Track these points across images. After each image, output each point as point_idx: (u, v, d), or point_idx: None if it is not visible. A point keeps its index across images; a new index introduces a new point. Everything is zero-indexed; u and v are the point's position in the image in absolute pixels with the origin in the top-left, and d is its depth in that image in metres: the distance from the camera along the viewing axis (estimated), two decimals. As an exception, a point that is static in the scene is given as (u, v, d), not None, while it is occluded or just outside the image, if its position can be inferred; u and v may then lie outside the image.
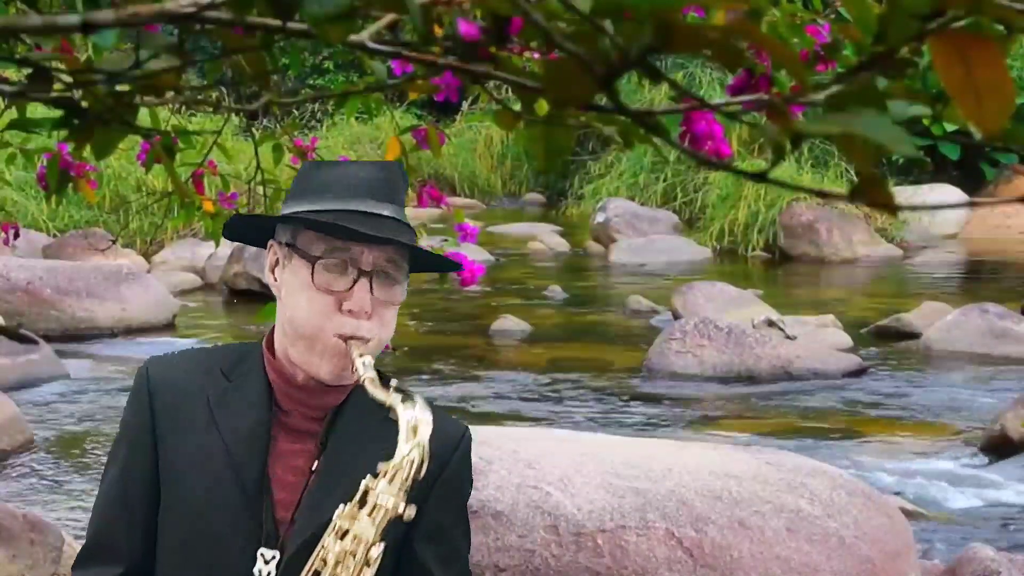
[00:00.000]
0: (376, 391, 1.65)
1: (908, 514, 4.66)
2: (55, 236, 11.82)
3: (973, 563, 4.08)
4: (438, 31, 0.78)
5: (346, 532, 1.64)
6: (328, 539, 1.65)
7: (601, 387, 7.64)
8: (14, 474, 5.79)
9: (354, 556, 1.63)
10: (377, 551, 1.63)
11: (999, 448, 6.16)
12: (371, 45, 0.75)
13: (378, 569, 1.66)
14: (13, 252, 9.01)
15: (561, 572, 3.43)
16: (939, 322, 8.75)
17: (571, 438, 4.30)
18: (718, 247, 13.67)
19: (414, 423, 1.62)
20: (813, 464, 4.01)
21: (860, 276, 12.76)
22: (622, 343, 8.96)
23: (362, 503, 1.63)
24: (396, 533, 1.72)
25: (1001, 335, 8.43)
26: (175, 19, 0.73)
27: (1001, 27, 0.69)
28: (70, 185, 2.48)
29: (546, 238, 14.37)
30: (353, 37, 0.75)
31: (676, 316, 9.25)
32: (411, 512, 1.62)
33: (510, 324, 9.23)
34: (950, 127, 10.92)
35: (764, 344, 7.93)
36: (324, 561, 1.65)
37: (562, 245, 14.20)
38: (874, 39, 0.69)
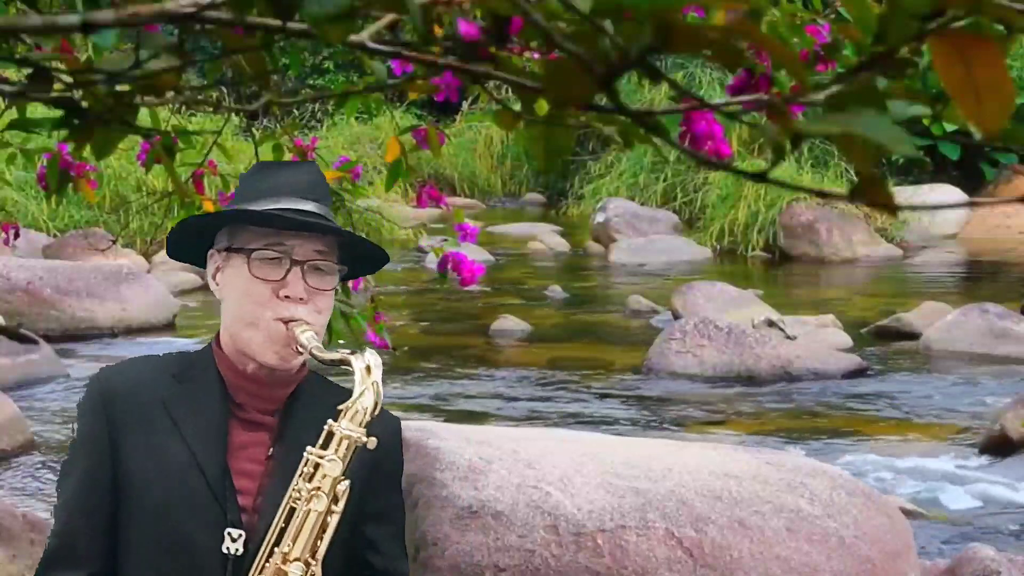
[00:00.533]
0: (325, 354, 1.82)
1: (908, 514, 4.66)
2: (55, 236, 11.82)
3: (973, 563, 4.08)
4: (438, 31, 0.78)
5: (315, 472, 1.79)
6: (298, 480, 1.80)
7: (601, 387, 7.64)
8: (14, 474, 5.79)
9: (323, 492, 1.78)
10: (344, 486, 1.79)
11: (999, 448, 6.16)
12: (371, 45, 0.75)
13: (331, 556, 1.82)
14: (13, 252, 9.01)
15: (561, 572, 3.43)
16: (939, 322, 8.75)
17: (571, 438, 4.30)
18: (718, 247, 13.67)
19: (366, 364, 1.82)
20: (813, 464, 4.01)
21: (860, 276, 12.76)
22: (622, 343, 8.96)
23: (326, 445, 1.79)
24: (349, 515, 1.86)
25: (1001, 335, 8.43)
26: (175, 19, 0.73)
27: (1001, 27, 0.69)
28: (70, 185, 2.48)
29: (546, 238, 14.37)
30: (353, 37, 0.75)
31: (676, 316, 9.24)
32: (373, 442, 1.79)
33: (510, 324, 9.23)
34: (950, 127, 10.92)
35: (764, 344, 7.93)
36: (296, 500, 1.80)
37: (562, 245, 14.20)
38: (874, 39, 0.70)
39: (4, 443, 5.96)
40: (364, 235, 2.28)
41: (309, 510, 1.79)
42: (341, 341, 2.94)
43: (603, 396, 7.44)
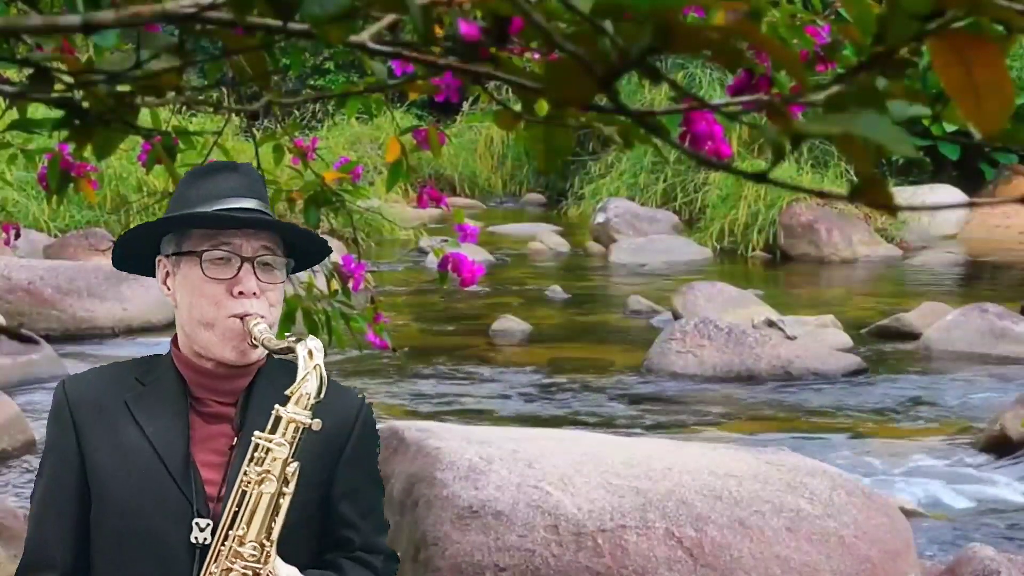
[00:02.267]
0: (273, 343, 1.89)
1: (908, 514, 4.66)
2: (56, 236, 11.82)
3: (972, 563, 4.08)
4: (438, 31, 0.78)
5: (265, 456, 1.85)
6: (249, 465, 1.86)
7: (601, 387, 7.64)
8: (15, 474, 5.79)
9: (273, 475, 1.84)
10: (293, 468, 1.85)
11: (999, 448, 6.16)
12: (372, 45, 0.75)
13: (303, 529, 1.93)
14: (14, 252, 9.01)
15: (561, 572, 3.43)
16: (939, 322, 8.75)
17: (571, 438, 4.30)
18: (718, 247, 13.67)
19: (308, 349, 1.86)
20: (813, 464, 4.01)
21: (860, 276, 12.76)
22: (622, 343, 8.96)
23: (275, 429, 1.86)
24: (316, 496, 1.97)
25: (1001, 335, 8.42)
26: (176, 19, 0.74)
27: (1000, 27, 0.69)
28: (71, 185, 2.48)
29: (546, 238, 14.37)
30: (353, 37, 0.75)
31: (676, 316, 9.24)
32: (318, 424, 1.84)
33: (510, 324, 9.23)
34: (950, 127, 10.92)
35: (764, 344, 7.93)
36: (247, 484, 1.86)
37: (562, 245, 14.19)
38: (874, 39, 0.70)
39: (5, 443, 5.96)
40: (364, 235, 2.30)
41: (260, 492, 1.85)
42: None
43: (603, 396, 7.44)
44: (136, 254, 2.06)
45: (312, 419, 1.85)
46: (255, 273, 1.93)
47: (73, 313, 8.80)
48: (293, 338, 1.90)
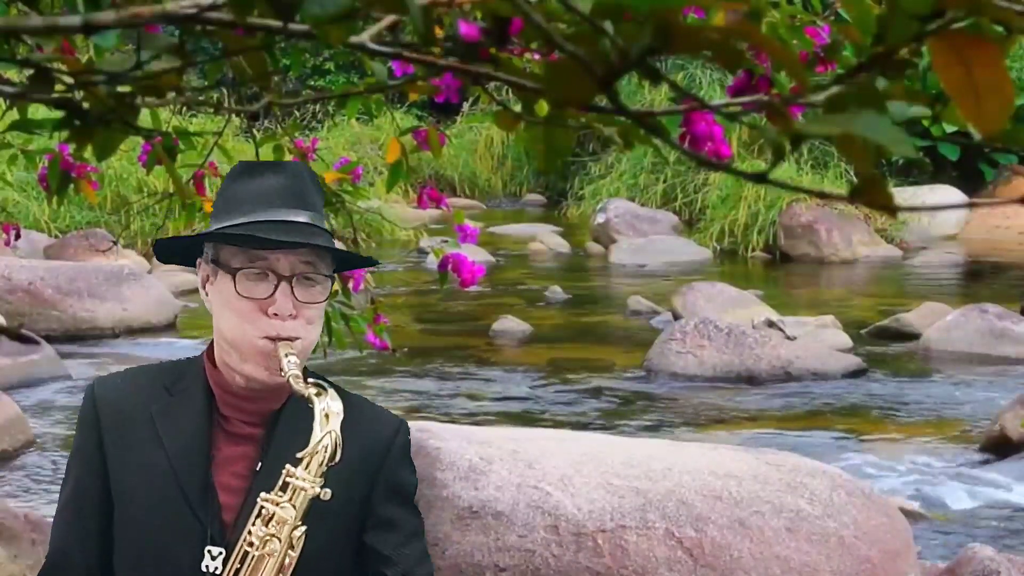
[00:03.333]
0: (296, 385, 1.76)
1: (908, 514, 4.66)
2: (56, 237, 11.82)
3: (972, 563, 4.08)
4: (439, 32, 0.78)
5: (271, 517, 1.77)
6: (254, 524, 1.77)
7: (601, 387, 7.64)
8: (16, 474, 5.79)
9: (278, 538, 1.76)
10: (299, 532, 1.76)
11: (999, 448, 6.16)
12: (372, 46, 0.75)
13: (327, 562, 1.84)
14: (15, 253, 9.01)
15: (561, 572, 3.44)
16: (938, 322, 8.74)
17: (571, 438, 4.30)
18: (718, 247, 13.67)
19: (326, 411, 1.75)
20: (813, 464, 4.01)
21: (860, 276, 12.76)
22: (622, 343, 8.96)
23: (284, 489, 1.77)
24: (346, 525, 1.87)
25: (1000, 335, 8.42)
26: (176, 20, 0.74)
27: (1000, 28, 0.69)
28: (71, 186, 2.48)
29: (546, 239, 14.36)
30: (354, 38, 0.75)
31: (676, 316, 9.24)
32: (327, 494, 1.74)
33: (510, 324, 9.23)
34: (949, 128, 10.92)
35: (764, 344, 7.93)
36: (251, 544, 1.77)
37: (562, 246, 14.19)
38: (873, 40, 0.70)
39: (5, 443, 5.96)
40: (364, 236, 2.29)
41: (265, 555, 1.77)
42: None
43: (603, 396, 7.44)
44: (182, 248, 1.99)
45: (322, 488, 1.75)
46: (292, 292, 1.82)
47: (73, 313, 8.80)
48: (314, 390, 1.77)
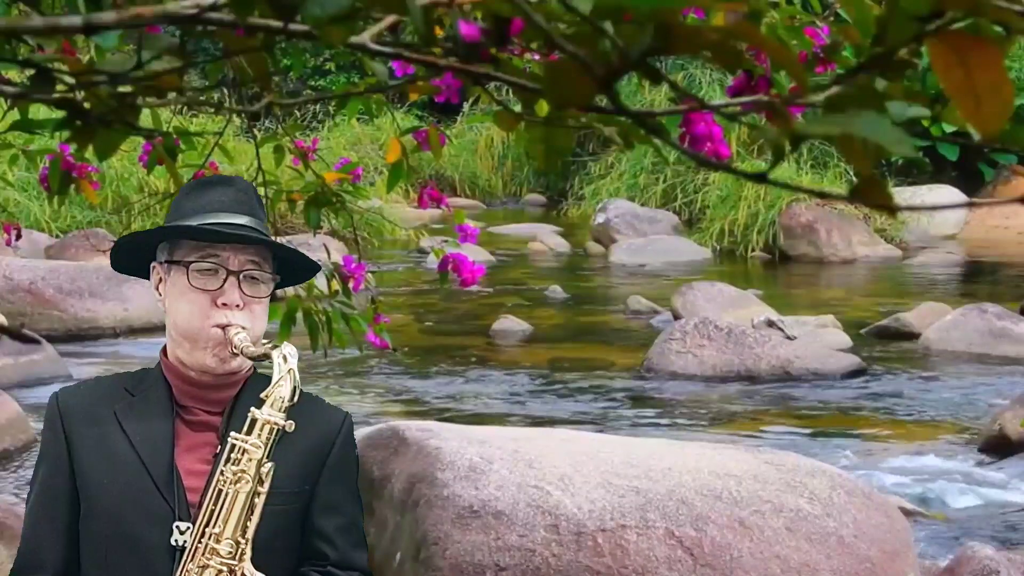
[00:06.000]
0: (250, 351, 1.96)
1: (908, 514, 4.66)
2: (57, 237, 11.82)
3: (972, 563, 4.08)
4: (439, 32, 0.78)
5: (240, 456, 1.91)
6: (225, 465, 1.92)
7: (601, 387, 7.64)
8: (16, 473, 5.79)
9: (248, 474, 1.91)
10: (268, 468, 1.91)
11: (998, 448, 6.16)
12: (372, 46, 0.75)
13: (279, 541, 1.99)
14: (16, 253, 9.01)
15: (561, 571, 3.44)
16: (938, 322, 8.75)
17: (571, 438, 4.30)
18: (718, 247, 13.68)
19: (283, 355, 1.93)
20: (813, 464, 4.01)
21: (859, 276, 12.76)
22: (622, 343, 8.96)
23: (251, 429, 1.92)
24: (294, 508, 2.03)
25: (1000, 335, 8.42)
26: (177, 20, 0.74)
27: (1000, 29, 0.69)
28: (72, 186, 2.48)
29: (546, 238, 14.37)
30: (354, 38, 0.75)
31: (676, 316, 9.24)
32: (291, 425, 1.90)
33: (510, 324, 9.23)
34: (949, 128, 10.90)
35: (764, 344, 7.93)
36: (223, 482, 1.92)
37: (562, 245, 14.20)
38: (873, 40, 0.70)
39: (7, 443, 5.97)
40: (365, 236, 2.34)
41: (236, 491, 1.91)
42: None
43: (603, 396, 7.44)
44: (134, 258, 2.14)
45: (286, 420, 1.91)
46: (240, 286, 2.01)
47: (75, 313, 8.81)
48: (269, 345, 1.97)
